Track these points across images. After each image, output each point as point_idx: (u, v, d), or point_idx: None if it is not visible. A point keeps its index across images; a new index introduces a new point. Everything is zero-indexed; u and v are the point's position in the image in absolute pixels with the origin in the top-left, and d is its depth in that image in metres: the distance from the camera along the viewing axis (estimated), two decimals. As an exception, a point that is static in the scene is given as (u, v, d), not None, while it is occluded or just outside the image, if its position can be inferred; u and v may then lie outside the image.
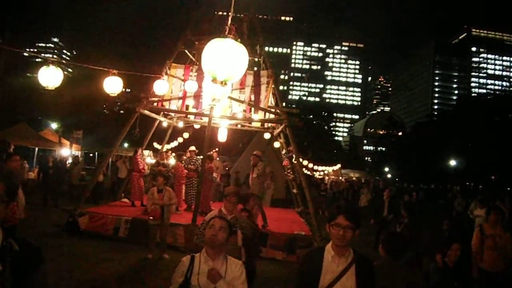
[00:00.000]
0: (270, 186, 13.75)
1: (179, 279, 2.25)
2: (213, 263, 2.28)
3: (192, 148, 9.95)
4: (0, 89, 31.50)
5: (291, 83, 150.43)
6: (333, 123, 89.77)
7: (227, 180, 13.74)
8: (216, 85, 2.52)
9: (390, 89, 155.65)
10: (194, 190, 9.06)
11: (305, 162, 21.49)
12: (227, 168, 15.15)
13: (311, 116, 64.47)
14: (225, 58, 2.40)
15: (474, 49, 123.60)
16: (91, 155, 27.47)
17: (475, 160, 36.47)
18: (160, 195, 6.39)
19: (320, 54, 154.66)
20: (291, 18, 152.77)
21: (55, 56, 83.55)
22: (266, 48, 11.06)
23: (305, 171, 20.48)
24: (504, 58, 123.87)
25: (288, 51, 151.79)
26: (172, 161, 11.51)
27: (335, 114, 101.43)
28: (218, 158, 12.61)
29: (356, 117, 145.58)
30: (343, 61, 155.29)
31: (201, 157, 9.75)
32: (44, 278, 1.46)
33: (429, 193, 25.56)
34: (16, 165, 5.25)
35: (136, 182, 9.57)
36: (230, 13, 3.11)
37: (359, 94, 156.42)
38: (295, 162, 10.00)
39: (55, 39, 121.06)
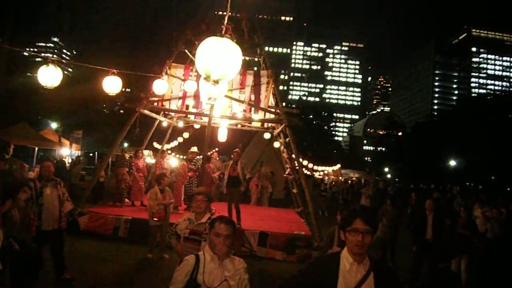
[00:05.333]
0: (267, 186, 13.76)
1: (184, 278, 2.25)
2: (219, 261, 2.31)
3: (194, 149, 9.98)
4: (0, 89, 31.46)
5: (291, 83, 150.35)
6: (333, 123, 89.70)
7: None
8: (209, 84, 2.51)
9: (390, 89, 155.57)
10: (194, 191, 9.07)
11: (305, 162, 21.50)
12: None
13: (311, 116, 64.49)
14: (220, 57, 2.39)
15: (474, 49, 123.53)
16: (91, 155, 27.44)
17: (475, 161, 36.46)
18: (163, 196, 6.48)
19: (320, 54, 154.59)
20: (291, 18, 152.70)
21: (55, 56, 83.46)
22: (266, 48, 11.07)
23: (305, 171, 20.49)
24: (504, 58, 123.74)
25: (288, 51, 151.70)
26: (171, 161, 11.52)
27: (335, 114, 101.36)
28: (218, 158, 12.61)
29: (356, 117, 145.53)
30: (343, 61, 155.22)
31: (200, 157, 9.78)
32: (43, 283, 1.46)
33: (444, 193, 25.01)
34: (49, 170, 4.88)
35: (136, 183, 9.59)
36: (226, 12, 3.11)
37: (359, 94, 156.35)
38: (295, 162, 10.00)
39: (55, 39, 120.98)
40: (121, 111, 36.62)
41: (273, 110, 9.73)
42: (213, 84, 2.48)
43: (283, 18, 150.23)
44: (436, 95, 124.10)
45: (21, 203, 4.43)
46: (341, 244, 4.64)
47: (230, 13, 3.18)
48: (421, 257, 6.09)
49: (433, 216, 6.31)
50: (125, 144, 24.67)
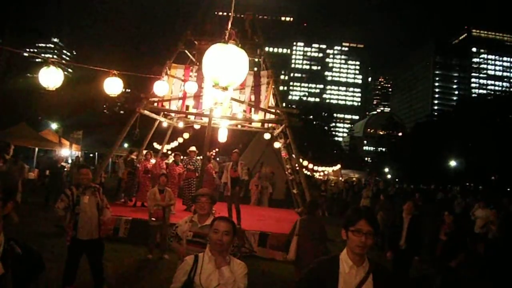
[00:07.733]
0: (268, 187, 13.76)
1: (182, 278, 2.26)
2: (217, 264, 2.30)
3: (193, 148, 9.96)
4: (0, 89, 31.49)
5: (291, 83, 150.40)
6: (333, 124, 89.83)
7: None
8: (218, 90, 2.52)
9: (390, 89, 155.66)
10: (192, 191, 9.06)
11: (305, 163, 21.49)
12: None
13: (311, 117, 64.57)
14: (228, 64, 2.41)
15: (474, 49, 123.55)
16: (91, 155, 27.44)
17: (475, 161, 36.47)
18: (162, 196, 6.46)
19: (320, 55, 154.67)
20: (291, 18, 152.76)
21: (55, 57, 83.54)
22: (266, 49, 11.08)
23: (305, 172, 20.49)
24: (505, 58, 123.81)
25: (288, 51, 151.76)
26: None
27: (335, 115, 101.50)
28: (218, 159, 12.60)
29: (356, 117, 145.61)
30: (343, 61, 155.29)
31: (200, 157, 9.78)
32: (44, 286, 1.45)
33: (446, 193, 25.02)
34: (87, 177, 4.50)
35: (143, 184, 9.57)
36: (230, 17, 3.10)
37: (359, 94, 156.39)
38: (295, 162, 10.00)
39: (55, 39, 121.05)
40: (121, 112, 36.67)
41: (273, 110, 9.74)
42: (222, 91, 2.49)
43: (283, 18, 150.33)
44: (436, 96, 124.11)
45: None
46: (301, 233, 4.83)
47: (232, 14, 3.18)
48: (397, 266, 5.26)
49: (409, 220, 5.39)
50: (125, 145, 24.72)
